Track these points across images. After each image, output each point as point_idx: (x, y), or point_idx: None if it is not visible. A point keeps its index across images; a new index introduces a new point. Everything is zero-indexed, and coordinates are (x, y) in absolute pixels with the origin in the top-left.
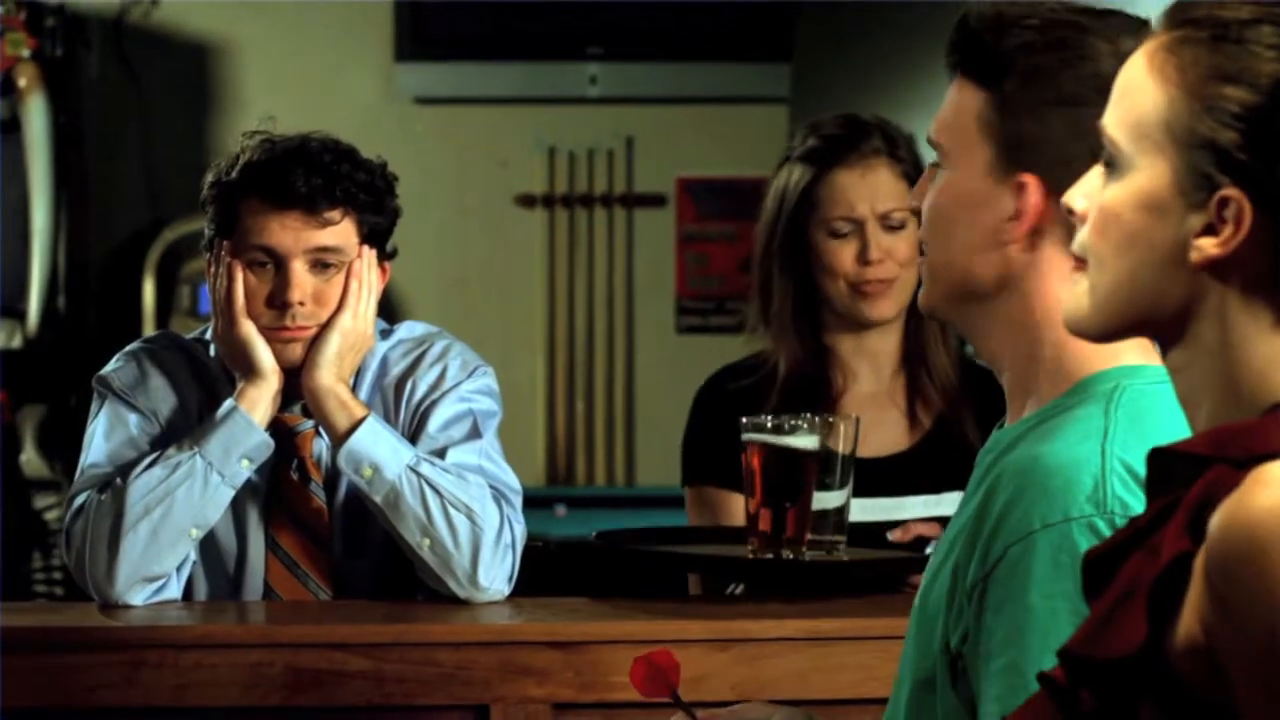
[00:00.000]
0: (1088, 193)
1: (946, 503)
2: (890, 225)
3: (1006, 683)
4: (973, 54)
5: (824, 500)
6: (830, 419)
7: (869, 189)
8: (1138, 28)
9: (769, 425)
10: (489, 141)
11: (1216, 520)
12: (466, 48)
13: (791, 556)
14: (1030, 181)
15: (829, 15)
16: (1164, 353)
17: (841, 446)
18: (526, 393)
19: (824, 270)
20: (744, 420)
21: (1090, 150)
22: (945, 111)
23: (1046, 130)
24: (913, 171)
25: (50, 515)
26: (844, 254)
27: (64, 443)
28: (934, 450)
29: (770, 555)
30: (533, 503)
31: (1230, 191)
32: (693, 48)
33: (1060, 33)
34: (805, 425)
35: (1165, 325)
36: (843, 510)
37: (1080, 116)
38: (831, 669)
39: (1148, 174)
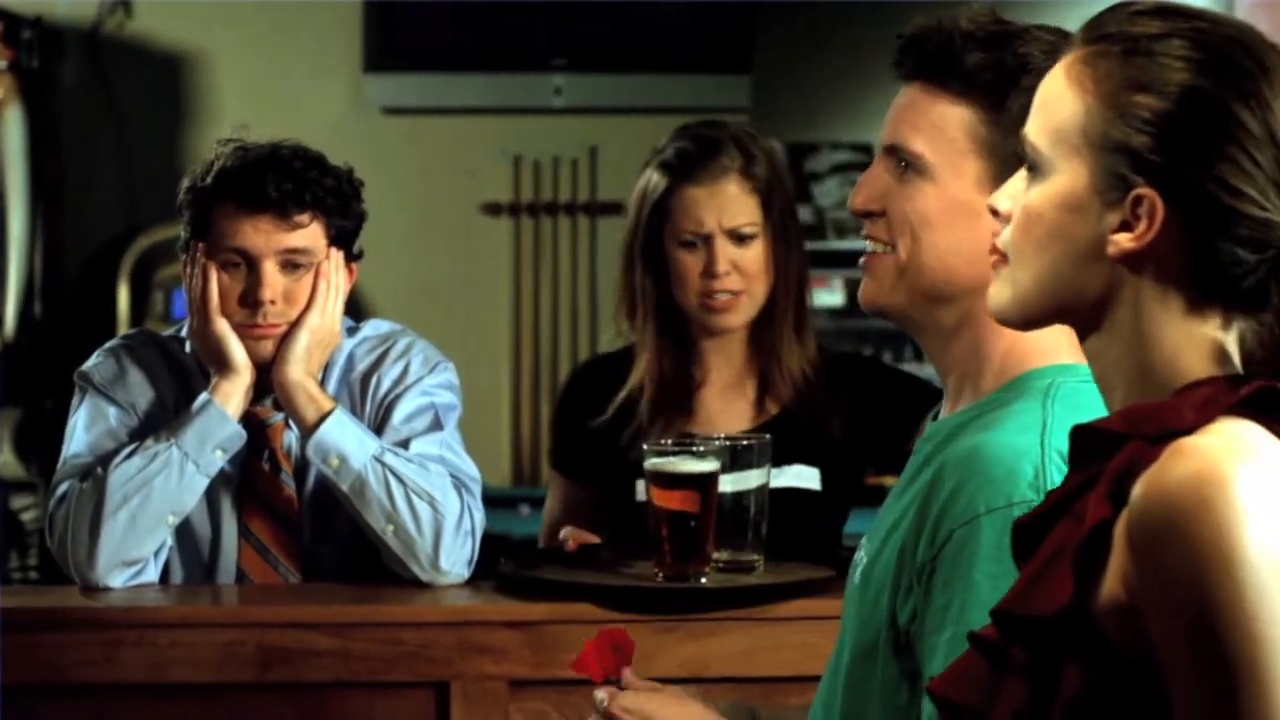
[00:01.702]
0: (1012, 195)
1: (788, 474)
2: (739, 238)
3: (950, 653)
4: (962, 68)
5: (740, 513)
6: (744, 441)
7: (717, 205)
8: None
9: (668, 450)
10: (456, 150)
11: (1138, 490)
12: (434, 59)
13: (695, 582)
14: None
15: (787, 28)
16: (1082, 339)
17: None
18: (492, 396)
19: (675, 280)
20: (645, 446)
21: None
22: (923, 121)
23: None
24: (764, 187)
25: (26, 516)
26: (692, 266)
27: (41, 445)
28: (774, 432)
29: (673, 580)
30: (498, 503)
31: (1144, 190)
32: (654, 59)
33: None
34: (703, 448)
35: (1083, 314)
36: (759, 525)
37: None
38: (774, 648)
39: (1067, 176)
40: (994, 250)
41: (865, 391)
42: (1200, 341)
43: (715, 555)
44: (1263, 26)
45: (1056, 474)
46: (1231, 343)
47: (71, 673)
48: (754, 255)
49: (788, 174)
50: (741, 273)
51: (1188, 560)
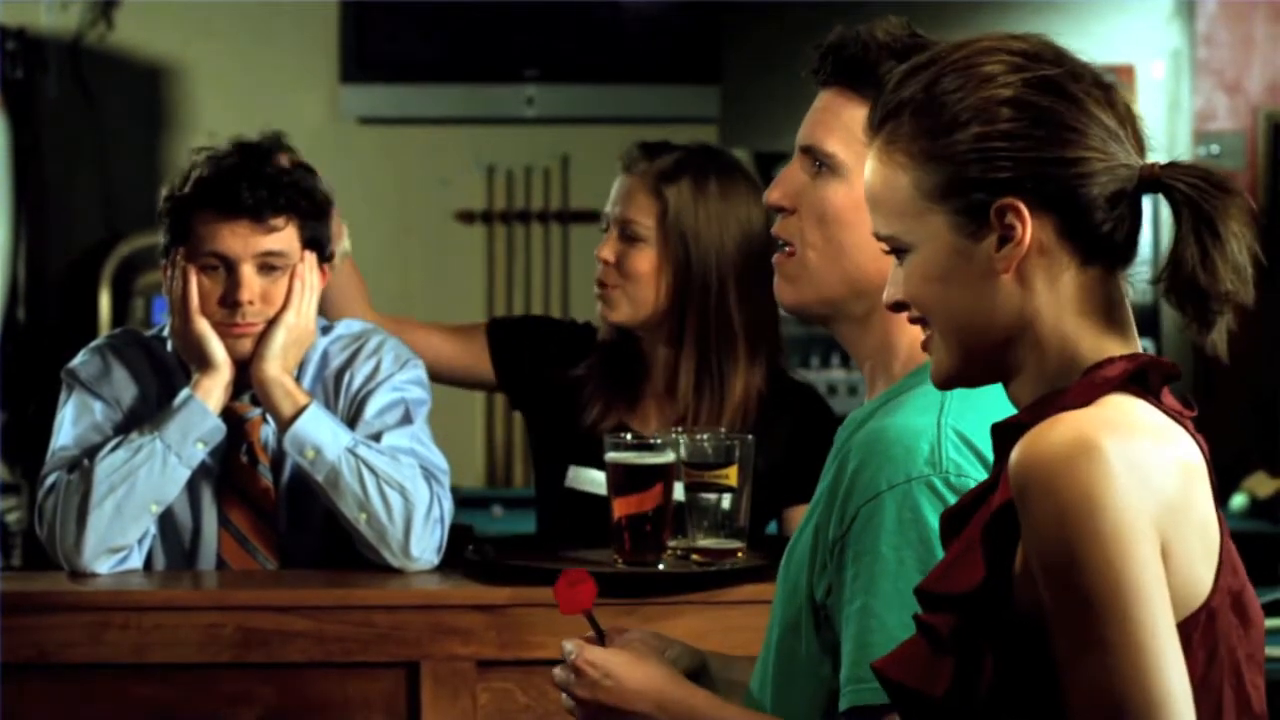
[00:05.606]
0: (894, 283)
1: None
2: (627, 235)
3: (861, 623)
4: (874, 75)
5: (708, 500)
6: (700, 436)
7: (619, 194)
8: None
9: (627, 444)
10: (430, 160)
11: (1015, 452)
12: (409, 70)
13: (652, 567)
14: None
15: (755, 39)
16: (1007, 383)
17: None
18: (467, 400)
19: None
20: (605, 437)
21: None
22: (836, 123)
23: None
24: (666, 203)
25: (10, 518)
26: (598, 249)
27: (25, 448)
28: None
29: (632, 566)
30: (472, 503)
31: (1002, 202)
32: (625, 70)
33: None
34: (661, 442)
35: (1004, 343)
36: (733, 512)
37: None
38: (727, 630)
39: (932, 241)
40: (913, 320)
41: (800, 428)
42: (1093, 309)
43: (699, 544)
44: (1224, 32)
45: (951, 449)
46: (1119, 299)
47: (60, 653)
48: (640, 258)
49: (717, 218)
50: (621, 270)
51: (1055, 514)
